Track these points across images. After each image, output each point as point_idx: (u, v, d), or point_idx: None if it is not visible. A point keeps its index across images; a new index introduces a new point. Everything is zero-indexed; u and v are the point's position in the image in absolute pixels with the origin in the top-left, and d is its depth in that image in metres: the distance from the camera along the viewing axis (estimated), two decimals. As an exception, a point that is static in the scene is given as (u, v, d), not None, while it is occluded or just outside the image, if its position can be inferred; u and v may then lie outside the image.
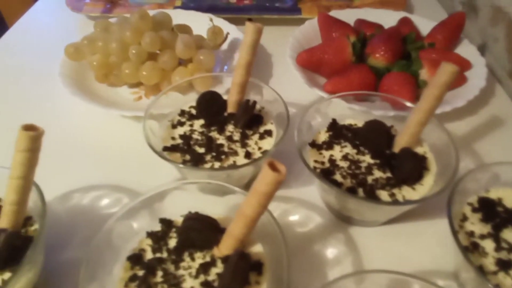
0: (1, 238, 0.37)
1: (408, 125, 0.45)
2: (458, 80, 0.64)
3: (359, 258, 0.46)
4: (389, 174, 0.45)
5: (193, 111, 0.54)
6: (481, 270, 0.36)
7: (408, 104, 0.51)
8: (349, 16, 0.78)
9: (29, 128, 0.36)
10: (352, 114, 0.53)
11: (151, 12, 0.66)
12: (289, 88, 0.58)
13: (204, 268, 0.37)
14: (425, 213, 0.49)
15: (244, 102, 0.51)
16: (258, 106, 0.54)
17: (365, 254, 0.46)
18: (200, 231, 0.38)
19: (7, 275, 0.37)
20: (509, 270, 0.36)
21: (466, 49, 0.70)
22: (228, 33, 0.74)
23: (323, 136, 0.50)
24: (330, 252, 0.46)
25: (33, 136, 0.36)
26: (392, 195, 0.43)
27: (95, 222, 0.49)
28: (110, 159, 0.58)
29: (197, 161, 0.47)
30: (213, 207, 0.41)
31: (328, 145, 0.49)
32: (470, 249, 0.38)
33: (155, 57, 0.65)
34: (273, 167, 0.32)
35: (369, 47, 0.68)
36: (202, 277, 0.37)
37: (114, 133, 0.62)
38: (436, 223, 0.48)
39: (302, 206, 0.51)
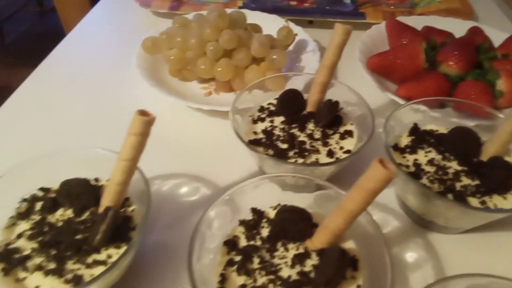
0: (110, 214, 0.39)
1: (500, 134, 0.45)
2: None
3: (440, 264, 0.45)
4: (477, 182, 0.44)
5: (272, 108, 0.56)
6: None
7: (496, 113, 0.50)
8: (416, 23, 0.78)
9: (142, 113, 0.38)
10: (431, 120, 0.53)
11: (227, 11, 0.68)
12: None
13: (299, 258, 0.38)
14: (507, 224, 0.48)
15: (327, 102, 0.51)
16: (337, 107, 0.54)
17: (445, 260, 0.46)
18: (296, 223, 0.39)
19: (112, 251, 0.39)
20: None
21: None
22: (296, 34, 0.75)
23: (405, 140, 0.50)
24: (410, 256, 0.46)
25: (147, 121, 0.38)
26: (483, 202, 0.42)
27: (176, 208, 0.52)
28: (188, 150, 0.60)
29: (280, 156, 0.48)
30: (294, 202, 0.42)
31: (412, 149, 0.49)
32: None
33: (230, 54, 0.67)
34: (382, 165, 0.32)
35: (441, 55, 0.67)
36: (298, 267, 0.37)
37: (188, 126, 0.64)
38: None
39: (378, 208, 0.51)
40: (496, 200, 0.43)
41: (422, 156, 0.48)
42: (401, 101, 0.60)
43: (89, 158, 0.45)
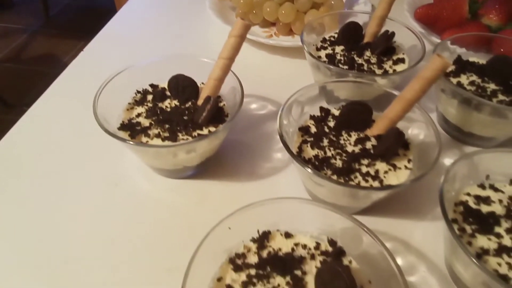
0: (212, 100, 0.49)
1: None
2: None
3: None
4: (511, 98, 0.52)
5: (333, 39, 0.65)
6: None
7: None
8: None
9: (243, 20, 0.48)
10: (473, 54, 0.61)
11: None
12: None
13: (361, 140, 0.48)
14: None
15: (384, 32, 0.60)
16: (391, 40, 0.63)
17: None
18: (360, 112, 0.48)
19: (211, 128, 0.50)
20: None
21: None
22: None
23: (450, 68, 0.59)
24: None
25: (246, 25, 0.48)
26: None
27: (249, 119, 0.63)
28: (256, 78, 0.70)
29: (341, 75, 0.57)
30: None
31: (455, 74, 0.57)
32: None
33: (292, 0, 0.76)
34: (440, 57, 0.41)
35: (484, 9, 0.74)
36: (359, 146, 0.47)
37: (255, 61, 0.75)
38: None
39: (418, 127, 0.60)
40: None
41: (464, 79, 0.56)
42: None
43: (191, 64, 0.55)
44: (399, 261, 0.45)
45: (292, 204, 0.38)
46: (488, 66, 0.56)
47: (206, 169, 0.55)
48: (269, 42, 0.72)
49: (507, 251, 0.37)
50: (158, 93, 0.54)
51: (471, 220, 0.40)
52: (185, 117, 0.51)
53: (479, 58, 0.60)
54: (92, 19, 0.93)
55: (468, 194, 0.42)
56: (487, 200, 0.42)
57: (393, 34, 0.60)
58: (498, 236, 0.38)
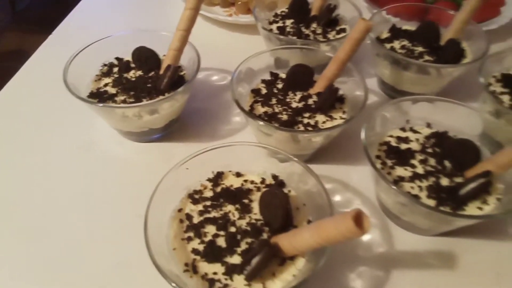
0: (171, 67, 0.55)
1: (454, 23, 0.61)
2: (493, 12, 0.79)
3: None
4: (435, 58, 0.60)
5: (284, 14, 0.71)
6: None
7: (452, 12, 0.66)
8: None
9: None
10: (406, 23, 0.69)
11: None
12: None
13: (304, 98, 0.55)
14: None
15: (326, 6, 0.67)
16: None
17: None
18: (303, 74, 0.55)
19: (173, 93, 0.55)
20: None
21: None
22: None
23: (385, 35, 0.66)
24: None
25: (199, -1, 0.54)
26: (438, 70, 0.59)
27: (211, 89, 0.69)
28: (216, 52, 0.75)
29: (290, 44, 0.64)
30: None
31: (389, 40, 0.65)
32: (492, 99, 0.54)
33: (248, -20, 0.82)
34: (364, 21, 0.48)
35: (421, -16, 0.83)
36: (303, 102, 0.54)
37: (216, 38, 0.81)
38: None
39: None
40: (448, 68, 0.59)
41: (396, 44, 0.64)
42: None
43: (152, 38, 0.61)
44: (338, 198, 0.53)
45: (242, 148, 0.45)
46: (417, 32, 0.64)
47: (172, 132, 0.61)
48: (227, 20, 0.78)
49: (419, 178, 0.45)
50: (123, 65, 0.59)
51: (392, 156, 0.48)
52: (149, 85, 0.56)
53: (411, 26, 0.68)
54: (59, 12, 0.96)
55: (391, 136, 0.50)
56: (406, 140, 0.50)
57: (335, 7, 0.67)
58: (413, 166, 0.46)
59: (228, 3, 0.87)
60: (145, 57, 0.58)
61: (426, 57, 0.61)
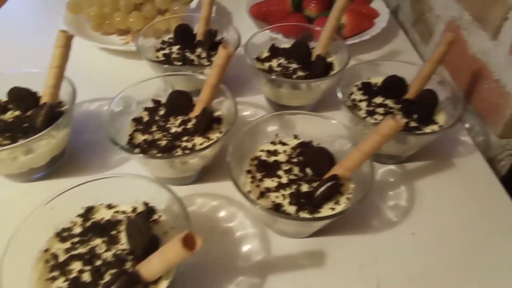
0: (47, 105, 0.55)
1: (320, 40, 0.67)
2: (368, 24, 0.87)
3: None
4: (308, 73, 0.66)
5: (171, 40, 0.74)
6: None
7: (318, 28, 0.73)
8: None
9: (64, 32, 0.55)
10: (285, 42, 0.75)
11: (135, -26, 0.85)
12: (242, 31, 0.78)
13: (184, 122, 0.57)
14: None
15: (208, 31, 0.71)
16: (219, 37, 0.74)
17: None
18: (180, 99, 0.58)
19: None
20: (373, 116, 0.59)
21: (377, 4, 0.93)
22: (196, -7, 0.94)
23: (265, 54, 0.71)
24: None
25: (68, 36, 0.55)
26: (308, 85, 0.64)
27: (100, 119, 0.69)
28: (110, 80, 0.76)
29: (176, 71, 0.67)
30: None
31: (268, 59, 0.70)
32: (352, 107, 0.61)
33: (139, 7, 0.84)
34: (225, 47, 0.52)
35: (305, 2, 0.90)
36: (183, 127, 0.57)
37: (111, 66, 0.81)
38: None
39: (253, 107, 0.72)
40: (318, 82, 0.65)
41: (274, 62, 0.69)
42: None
43: (27, 76, 0.60)
44: (223, 213, 0.55)
45: (111, 180, 0.46)
46: (291, 50, 0.70)
47: (59, 168, 0.60)
48: (119, 48, 0.79)
49: (283, 187, 0.49)
50: (0, 106, 0.58)
51: (261, 169, 0.51)
52: (26, 124, 0.56)
53: (289, 44, 0.74)
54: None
55: (262, 150, 0.54)
56: (275, 152, 0.54)
57: (216, 31, 0.71)
58: (279, 177, 0.51)
59: (124, 31, 0.88)
60: (21, 96, 0.58)
61: (300, 73, 0.67)
